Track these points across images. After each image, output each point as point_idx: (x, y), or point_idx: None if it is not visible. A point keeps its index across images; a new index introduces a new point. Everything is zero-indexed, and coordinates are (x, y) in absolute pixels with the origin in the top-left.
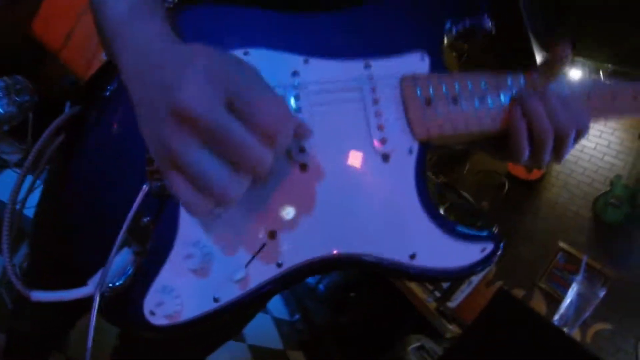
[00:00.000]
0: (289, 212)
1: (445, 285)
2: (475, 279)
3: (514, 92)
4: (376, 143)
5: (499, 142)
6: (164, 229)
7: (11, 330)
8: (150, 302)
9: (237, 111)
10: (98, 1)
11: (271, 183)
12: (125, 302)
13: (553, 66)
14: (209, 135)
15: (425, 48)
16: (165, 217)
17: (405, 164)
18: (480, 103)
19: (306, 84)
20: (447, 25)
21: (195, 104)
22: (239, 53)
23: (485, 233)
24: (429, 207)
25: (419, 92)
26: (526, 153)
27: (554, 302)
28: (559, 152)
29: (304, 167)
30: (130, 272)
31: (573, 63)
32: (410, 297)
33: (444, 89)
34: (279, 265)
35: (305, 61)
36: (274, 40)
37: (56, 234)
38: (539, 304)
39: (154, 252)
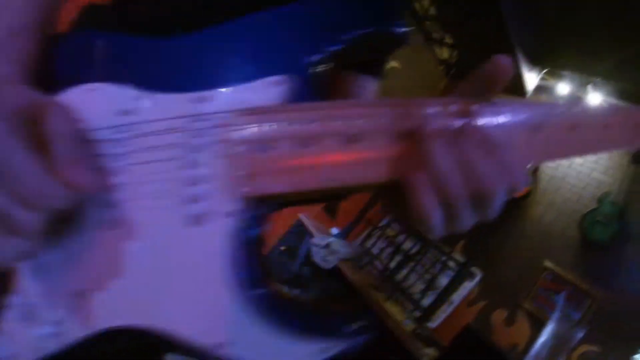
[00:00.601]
0: (98, 272)
1: (425, 303)
2: (457, 298)
3: (409, 125)
4: (188, 201)
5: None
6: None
7: None
8: None
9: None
10: None
11: (78, 237)
12: None
13: (486, 86)
14: None
15: (281, 71)
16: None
17: (221, 229)
18: (345, 144)
19: (134, 122)
20: (326, 41)
21: None
22: (84, 87)
23: (327, 326)
24: (251, 286)
25: (252, 133)
26: (434, 219)
27: (538, 323)
28: (482, 214)
29: (113, 223)
30: None
31: (559, 77)
32: (385, 320)
33: (288, 126)
34: (87, 323)
35: (140, 97)
36: (117, 71)
37: None
38: (522, 325)
39: None
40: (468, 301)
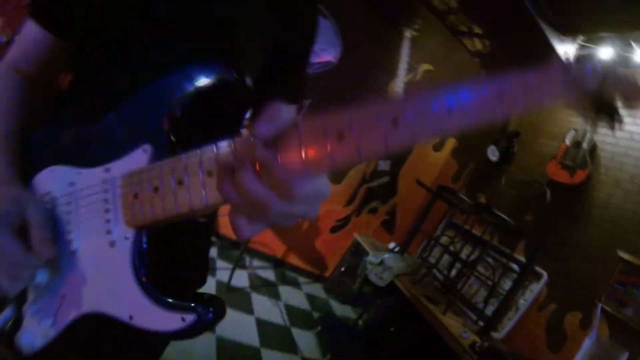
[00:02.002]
0: (70, 283)
1: (489, 311)
2: (524, 303)
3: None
4: (105, 234)
5: None
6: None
7: None
8: (20, 339)
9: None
10: None
11: (59, 263)
12: (10, 339)
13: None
14: None
15: (147, 141)
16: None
17: (124, 249)
18: (177, 186)
19: (76, 191)
20: (169, 106)
21: None
22: (48, 170)
23: (185, 304)
24: (141, 281)
25: (129, 187)
26: (239, 223)
27: (616, 322)
28: (275, 218)
29: (73, 252)
30: (9, 324)
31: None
32: (442, 334)
33: (147, 180)
34: (67, 315)
35: (77, 173)
36: (63, 155)
37: None
38: (601, 327)
39: (19, 310)
40: (538, 305)
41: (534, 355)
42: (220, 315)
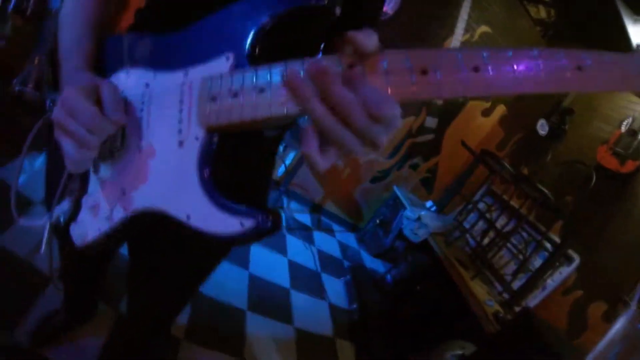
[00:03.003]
0: (133, 178)
1: (516, 286)
2: (552, 284)
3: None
4: (176, 132)
5: None
6: (80, 188)
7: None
8: (73, 230)
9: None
10: (59, 26)
11: (124, 159)
12: (65, 231)
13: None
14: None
15: (230, 50)
16: (82, 182)
17: (193, 149)
18: (258, 93)
19: (151, 92)
20: (261, 21)
21: (59, 105)
22: (123, 71)
23: (246, 209)
24: (204, 181)
25: (208, 91)
26: (313, 146)
27: None
28: (355, 133)
29: (140, 149)
30: (66, 215)
31: None
32: (468, 298)
33: (227, 85)
34: (125, 210)
35: (154, 75)
36: (141, 59)
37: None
38: None
39: (76, 203)
40: (564, 289)
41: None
42: (277, 226)
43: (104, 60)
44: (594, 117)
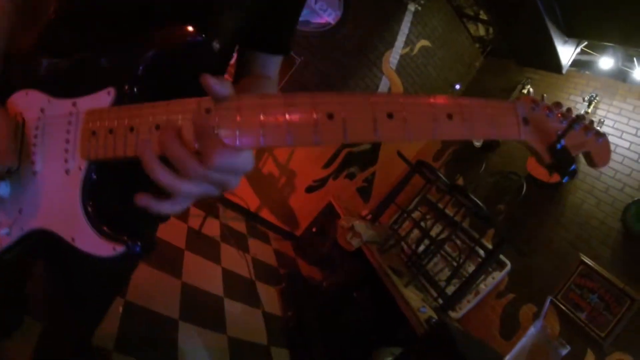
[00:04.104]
0: (29, 198)
1: (450, 291)
2: (485, 289)
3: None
4: (64, 161)
5: None
6: None
7: None
8: None
9: None
10: None
11: (22, 179)
12: None
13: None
14: None
15: (112, 85)
16: None
17: (76, 179)
18: (128, 131)
19: (45, 118)
20: (137, 62)
21: None
22: (23, 91)
23: (117, 236)
24: (86, 208)
25: (89, 125)
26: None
27: (569, 324)
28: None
29: (34, 172)
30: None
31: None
32: (401, 305)
33: (105, 121)
34: (22, 228)
35: (49, 101)
36: (39, 82)
37: None
38: (552, 324)
39: None
40: (497, 293)
41: (486, 338)
42: (147, 250)
43: (8, 74)
44: None
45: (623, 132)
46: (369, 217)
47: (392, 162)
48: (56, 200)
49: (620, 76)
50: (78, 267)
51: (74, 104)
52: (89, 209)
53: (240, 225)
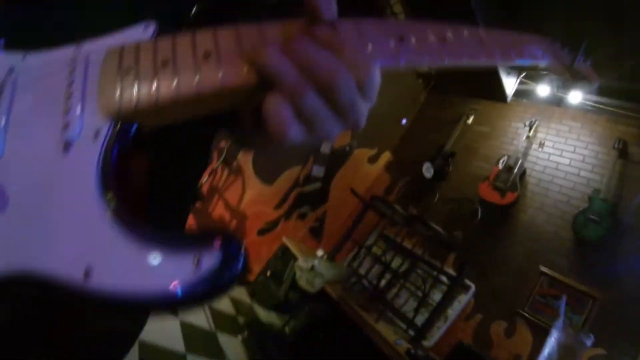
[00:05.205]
0: None
1: (419, 321)
2: (453, 313)
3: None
4: (59, 130)
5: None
6: None
7: None
8: None
9: None
10: None
11: None
12: None
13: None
14: None
15: (151, 17)
16: None
17: (88, 151)
18: (203, 57)
19: (16, 79)
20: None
21: None
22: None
23: (194, 237)
24: (108, 202)
25: (119, 63)
26: (284, 116)
27: (540, 330)
28: (337, 112)
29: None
30: None
31: (538, 79)
32: (377, 341)
33: (151, 52)
34: None
35: (23, 57)
36: (4, 36)
37: None
38: (524, 334)
39: None
40: (465, 315)
41: None
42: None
43: None
44: (474, 157)
45: (563, 150)
46: (325, 256)
47: (343, 200)
48: (39, 204)
49: (555, 101)
50: (89, 328)
51: (79, 47)
52: (114, 204)
53: None
